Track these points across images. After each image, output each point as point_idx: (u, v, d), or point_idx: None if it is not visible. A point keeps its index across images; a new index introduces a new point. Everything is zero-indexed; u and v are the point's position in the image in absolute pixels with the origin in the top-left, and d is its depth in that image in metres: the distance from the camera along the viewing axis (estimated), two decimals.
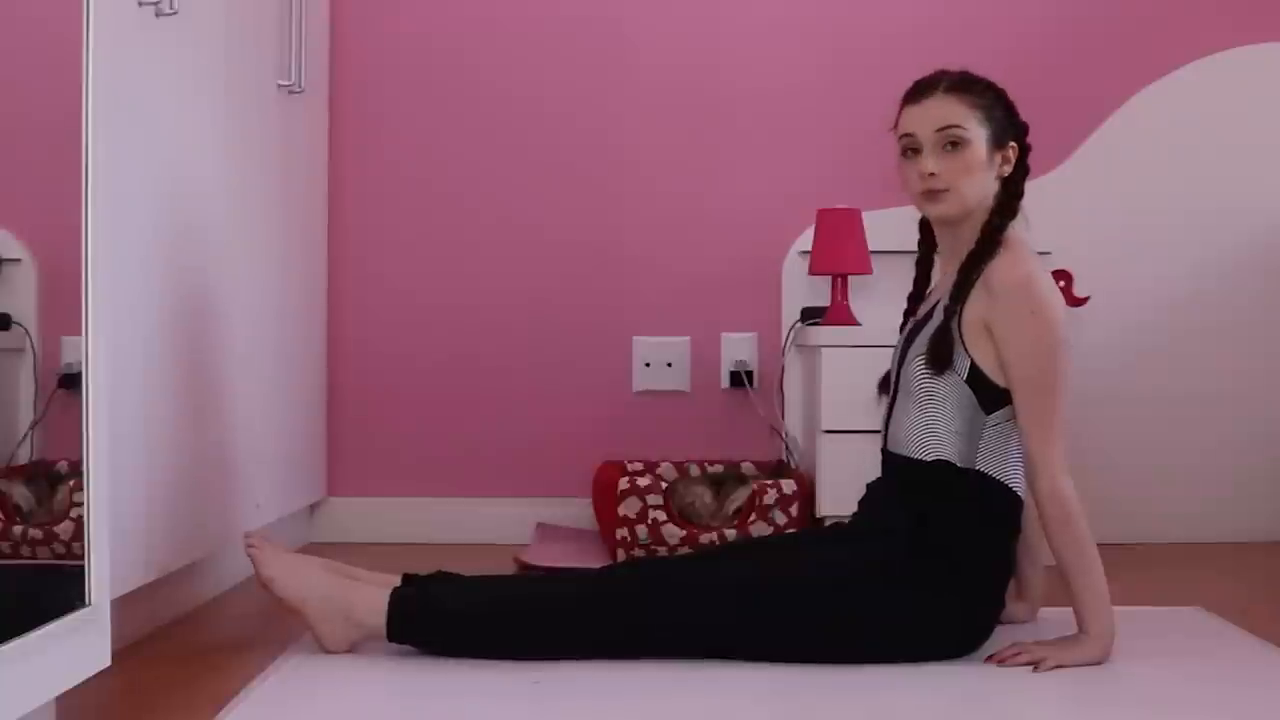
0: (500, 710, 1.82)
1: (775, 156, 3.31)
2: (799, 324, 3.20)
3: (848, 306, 3.09)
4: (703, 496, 2.98)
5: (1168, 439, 3.25)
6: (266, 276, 2.76)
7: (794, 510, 2.86)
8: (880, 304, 3.07)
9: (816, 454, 2.97)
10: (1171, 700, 1.87)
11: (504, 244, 3.31)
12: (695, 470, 3.16)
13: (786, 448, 3.24)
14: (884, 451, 2.15)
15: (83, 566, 1.58)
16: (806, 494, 2.92)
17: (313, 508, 3.25)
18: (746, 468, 3.18)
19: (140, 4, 2.03)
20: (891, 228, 2.97)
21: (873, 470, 2.18)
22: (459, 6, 3.32)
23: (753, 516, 2.87)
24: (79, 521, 1.57)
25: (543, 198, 3.31)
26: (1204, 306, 3.26)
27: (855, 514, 2.19)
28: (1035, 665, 1.95)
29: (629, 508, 2.84)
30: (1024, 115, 2.12)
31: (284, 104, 2.85)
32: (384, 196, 3.31)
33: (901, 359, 2.13)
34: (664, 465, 3.18)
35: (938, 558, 1.98)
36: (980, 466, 2.02)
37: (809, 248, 3.15)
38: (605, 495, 2.93)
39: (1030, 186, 2.13)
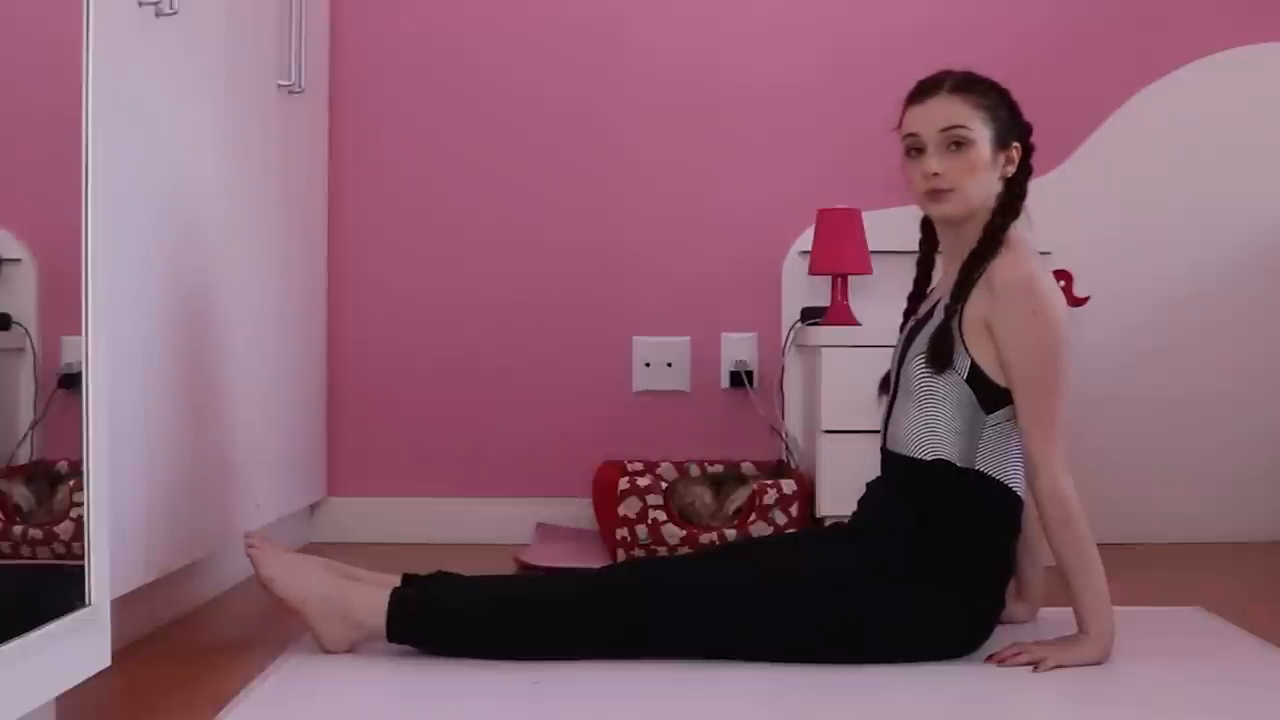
0: (500, 710, 1.82)
1: (775, 156, 3.31)
2: (799, 324, 3.20)
3: (848, 306, 3.09)
4: (703, 496, 2.98)
5: (1168, 439, 3.25)
6: (266, 276, 2.76)
7: (794, 510, 2.86)
8: (880, 304, 3.07)
9: (816, 454, 2.97)
10: (1171, 700, 1.87)
11: (504, 244, 3.31)
12: (695, 470, 3.16)
13: (786, 448, 3.24)
14: (883, 451, 2.15)
15: (83, 566, 1.58)
16: (806, 494, 2.92)
17: (313, 508, 3.25)
18: (746, 468, 3.18)
19: (140, 4, 2.03)
20: (891, 228, 2.98)
21: (873, 470, 2.18)
22: (459, 6, 3.32)
23: (753, 516, 2.87)
24: (79, 521, 1.57)
25: (543, 198, 3.31)
26: (1204, 306, 3.26)
27: (855, 514, 2.19)
28: (1035, 665, 1.95)
29: (629, 508, 2.84)
30: (1024, 115, 2.12)
31: (284, 104, 2.85)
32: (384, 196, 3.31)
33: (901, 358, 2.13)
34: (664, 465, 3.19)
35: (937, 557, 1.98)
36: (980, 466, 2.02)
37: (809, 248, 3.15)
38: (605, 495, 2.93)
39: (1030, 186, 2.13)
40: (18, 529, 1.56)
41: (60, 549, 1.58)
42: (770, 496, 2.87)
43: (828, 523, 2.85)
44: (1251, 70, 3.27)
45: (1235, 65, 3.27)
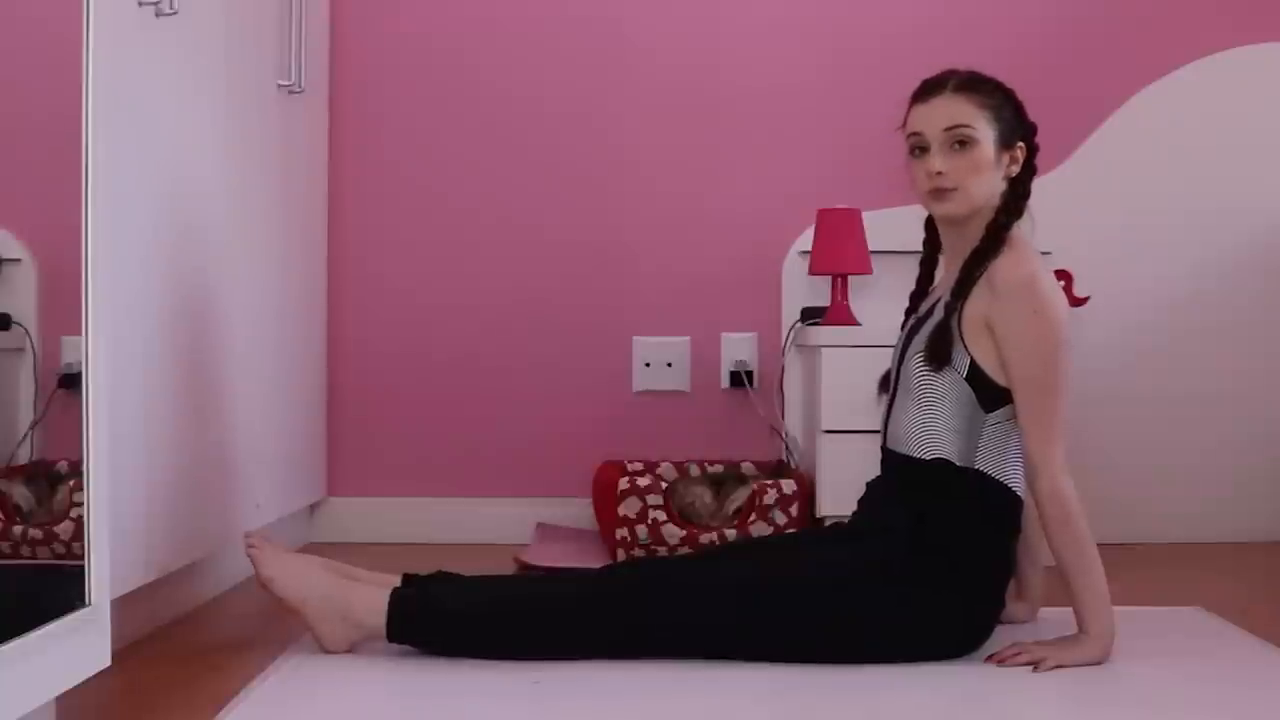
0: (500, 710, 1.82)
1: (775, 156, 3.31)
2: (799, 324, 3.20)
3: (848, 306, 3.09)
4: (703, 496, 2.98)
5: (1168, 439, 3.25)
6: (266, 276, 2.76)
7: (794, 510, 2.86)
8: (880, 304, 3.07)
9: (816, 454, 2.97)
10: (1171, 700, 1.87)
11: (504, 244, 3.31)
12: (695, 470, 3.16)
13: (786, 448, 3.24)
14: (883, 450, 2.15)
15: (83, 566, 1.58)
16: (806, 494, 2.92)
17: (313, 508, 3.25)
18: (746, 468, 3.18)
19: (140, 4, 2.03)
20: (892, 228, 2.98)
21: (873, 470, 2.18)
22: (459, 6, 3.32)
23: (753, 516, 2.87)
24: (79, 521, 1.57)
25: (543, 198, 3.31)
26: (1204, 306, 3.26)
27: (855, 513, 2.19)
28: (1035, 665, 1.95)
29: (629, 508, 2.84)
30: (1029, 115, 2.12)
31: (284, 104, 2.85)
32: (384, 196, 3.31)
33: (901, 356, 2.13)
34: (664, 465, 3.18)
35: (937, 556, 1.98)
36: (979, 465, 2.02)
37: (809, 248, 3.15)
38: (605, 495, 2.93)
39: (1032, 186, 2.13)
40: (18, 529, 1.56)
41: (60, 549, 1.58)
42: (770, 496, 2.86)
43: (828, 523, 2.85)
44: (1251, 70, 3.27)
45: (1235, 65, 3.27)
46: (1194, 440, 3.25)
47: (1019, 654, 1.98)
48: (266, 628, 2.24)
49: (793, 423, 3.25)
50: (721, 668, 1.98)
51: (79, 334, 1.57)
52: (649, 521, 2.84)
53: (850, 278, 3.12)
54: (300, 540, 3.14)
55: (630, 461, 3.19)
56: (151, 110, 2.11)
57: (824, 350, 2.95)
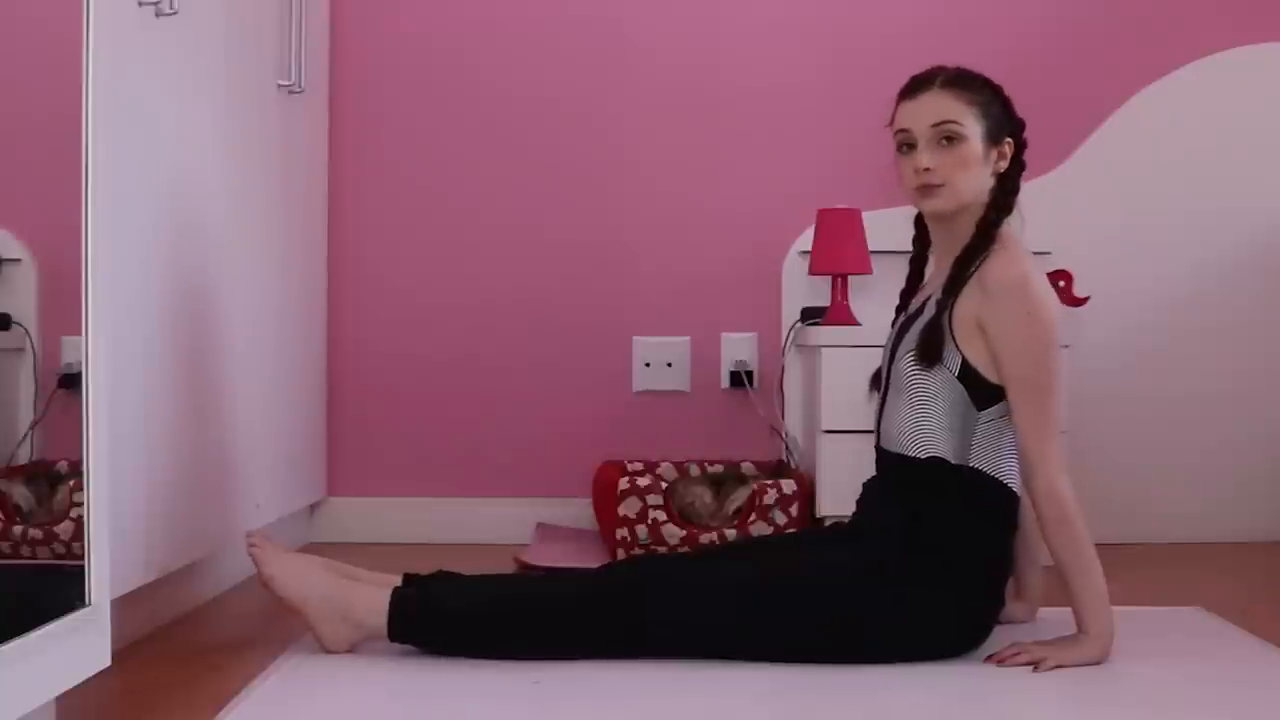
0: (500, 710, 1.82)
1: (775, 156, 3.31)
2: (799, 324, 3.20)
3: (848, 306, 3.09)
4: (703, 496, 2.98)
5: (1168, 439, 3.25)
6: (266, 276, 2.76)
7: (794, 510, 2.86)
8: (880, 304, 3.04)
9: (816, 454, 2.97)
10: (1171, 700, 1.87)
11: (504, 244, 3.31)
12: (695, 470, 3.16)
13: (786, 448, 3.24)
14: (877, 449, 2.15)
15: (83, 566, 1.58)
16: (806, 494, 2.92)
17: (313, 508, 3.25)
18: (746, 468, 3.18)
19: (140, 4, 2.03)
20: (892, 228, 2.96)
21: (870, 470, 2.18)
22: (459, 6, 3.32)
23: (753, 516, 2.87)
24: (79, 521, 1.57)
25: (543, 198, 3.31)
26: (1204, 306, 3.26)
27: (854, 514, 2.20)
28: (1035, 665, 1.95)
29: (629, 508, 2.84)
30: (1024, 115, 2.12)
31: (284, 104, 2.85)
32: (384, 196, 3.31)
33: (892, 355, 2.13)
34: (664, 465, 3.18)
35: (933, 554, 1.98)
36: (974, 463, 2.02)
37: (809, 248, 3.15)
38: (605, 495, 2.93)
39: (1030, 186, 2.13)
40: (18, 529, 1.56)
41: (60, 549, 1.58)
42: (770, 496, 2.86)
43: (828, 523, 2.85)
44: (1251, 70, 3.27)
45: (1235, 65, 3.27)
46: (1194, 440, 3.25)
47: (1018, 654, 1.98)
48: (267, 628, 2.24)
49: (793, 423, 3.25)
50: (721, 667, 1.98)
51: (79, 334, 1.57)
52: (649, 521, 2.84)
53: (850, 278, 3.12)
54: (300, 540, 3.14)
55: (630, 461, 3.19)
56: (151, 110, 2.11)
57: (824, 350, 2.95)
